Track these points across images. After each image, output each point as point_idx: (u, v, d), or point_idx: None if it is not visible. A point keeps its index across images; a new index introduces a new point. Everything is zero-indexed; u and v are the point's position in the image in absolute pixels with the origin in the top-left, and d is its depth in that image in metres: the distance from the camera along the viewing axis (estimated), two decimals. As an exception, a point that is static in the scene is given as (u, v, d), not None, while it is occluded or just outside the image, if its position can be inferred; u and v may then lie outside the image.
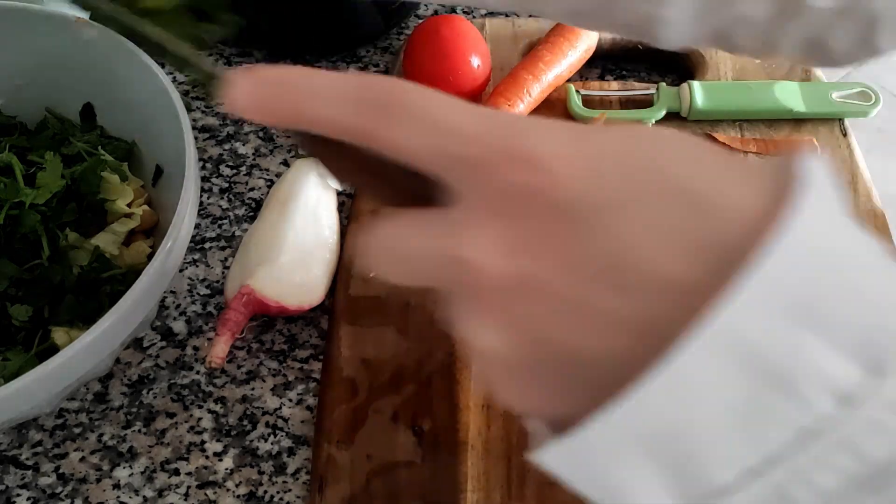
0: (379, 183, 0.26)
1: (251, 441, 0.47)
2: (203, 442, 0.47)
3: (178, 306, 0.53)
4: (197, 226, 0.57)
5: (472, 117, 0.22)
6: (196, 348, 0.51)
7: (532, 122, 0.23)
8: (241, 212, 0.58)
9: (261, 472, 0.46)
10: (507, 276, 0.22)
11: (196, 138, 0.62)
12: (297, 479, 0.46)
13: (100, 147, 0.50)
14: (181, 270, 0.54)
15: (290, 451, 0.47)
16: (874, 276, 0.21)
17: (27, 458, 0.46)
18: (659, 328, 0.21)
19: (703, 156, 0.23)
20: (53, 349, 0.43)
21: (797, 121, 0.62)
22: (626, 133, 0.23)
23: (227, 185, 0.59)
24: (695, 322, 0.20)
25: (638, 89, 0.63)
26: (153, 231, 0.51)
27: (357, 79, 0.23)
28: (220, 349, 0.46)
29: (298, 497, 0.45)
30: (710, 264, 0.21)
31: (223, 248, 0.56)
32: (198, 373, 0.50)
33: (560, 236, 0.21)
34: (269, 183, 0.59)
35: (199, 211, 0.56)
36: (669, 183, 0.22)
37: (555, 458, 0.22)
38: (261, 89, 0.24)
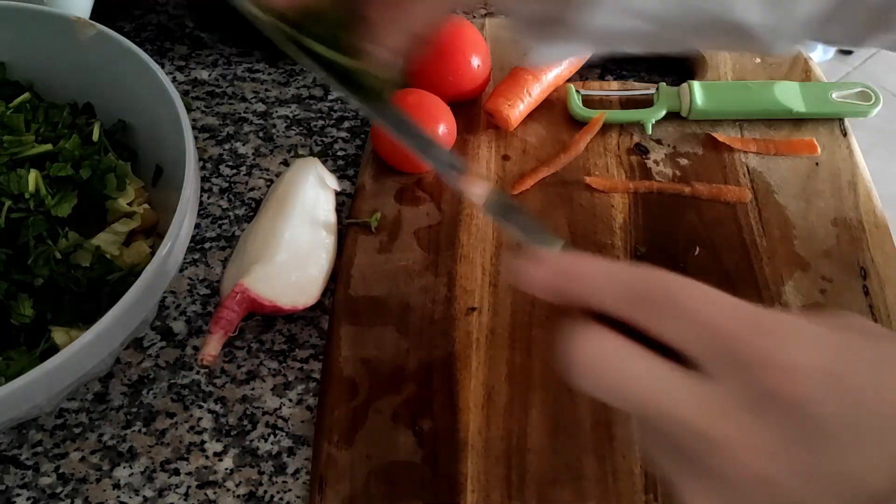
0: None
1: (251, 441, 0.47)
2: (203, 442, 0.47)
3: (178, 306, 0.53)
4: (197, 226, 0.57)
5: (723, 312, 0.27)
6: (196, 348, 0.51)
7: (776, 320, 0.27)
8: (241, 212, 0.58)
9: (261, 472, 0.46)
10: (750, 474, 0.26)
11: (196, 138, 0.62)
12: (297, 479, 0.46)
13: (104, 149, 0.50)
14: (181, 270, 0.54)
15: (290, 451, 0.47)
16: None
17: (27, 458, 0.46)
18: None
19: None
20: (54, 349, 0.43)
21: (797, 121, 0.62)
22: (859, 345, 0.27)
23: (227, 185, 0.59)
24: None
25: (638, 89, 0.63)
26: (153, 231, 0.51)
27: (629, 272, 0.29)
28: (212, 347, 0.46)
29: (298, 497, 0.45)
30: None
31: (223, 248, 0.56)
32: (198, 373, 0.50)
33: (804, 446, 0.26)
34: (268, 183, 0.59)
35: (199, 211, 0.57)
36: (892, 415, 0.26)
37: None
38: (553, 278, 0.30)
